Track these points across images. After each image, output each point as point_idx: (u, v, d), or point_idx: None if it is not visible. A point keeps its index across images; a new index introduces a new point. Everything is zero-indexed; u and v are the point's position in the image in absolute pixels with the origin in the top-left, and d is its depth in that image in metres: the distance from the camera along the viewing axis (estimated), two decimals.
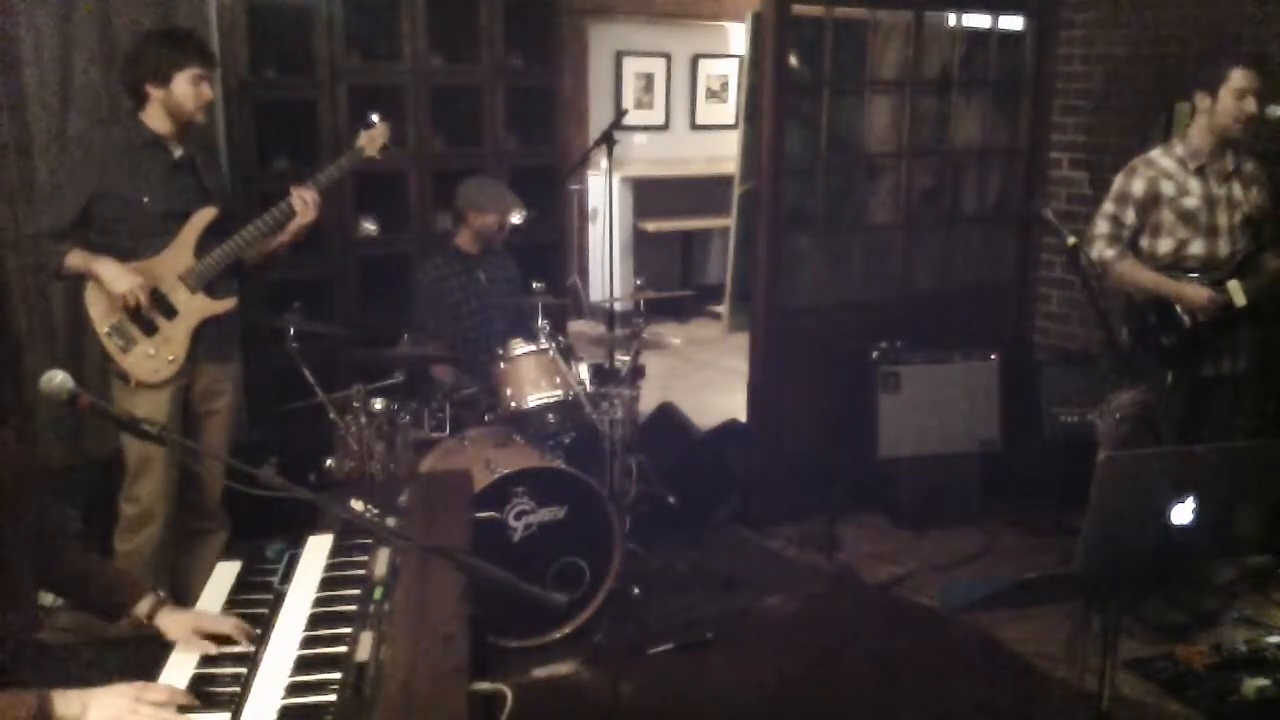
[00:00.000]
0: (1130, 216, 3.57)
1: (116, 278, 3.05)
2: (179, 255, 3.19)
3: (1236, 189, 3.54)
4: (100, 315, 3.12)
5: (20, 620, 1.96)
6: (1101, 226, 3.61)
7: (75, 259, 3.07)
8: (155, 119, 3.17)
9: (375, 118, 3.50)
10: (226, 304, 3.28)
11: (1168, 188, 3.52)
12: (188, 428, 3.31)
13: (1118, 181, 3.62)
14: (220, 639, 2.03)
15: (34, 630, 2.03)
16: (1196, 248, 3.51)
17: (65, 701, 1.74)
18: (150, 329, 3.17)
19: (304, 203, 3.28)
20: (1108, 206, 3.62)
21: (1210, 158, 3.52)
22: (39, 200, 3.52)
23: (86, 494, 3.71)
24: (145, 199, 3.13)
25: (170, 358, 3.19)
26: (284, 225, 3.30)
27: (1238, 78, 3.39)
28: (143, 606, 2.11)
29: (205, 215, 3.23)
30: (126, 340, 3.13)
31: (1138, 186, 3.55)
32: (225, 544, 3.39)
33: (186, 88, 3.13)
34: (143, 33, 3.38)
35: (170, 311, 3.19)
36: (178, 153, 3.21)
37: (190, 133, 3.26)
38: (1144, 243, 3.59)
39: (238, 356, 3.46)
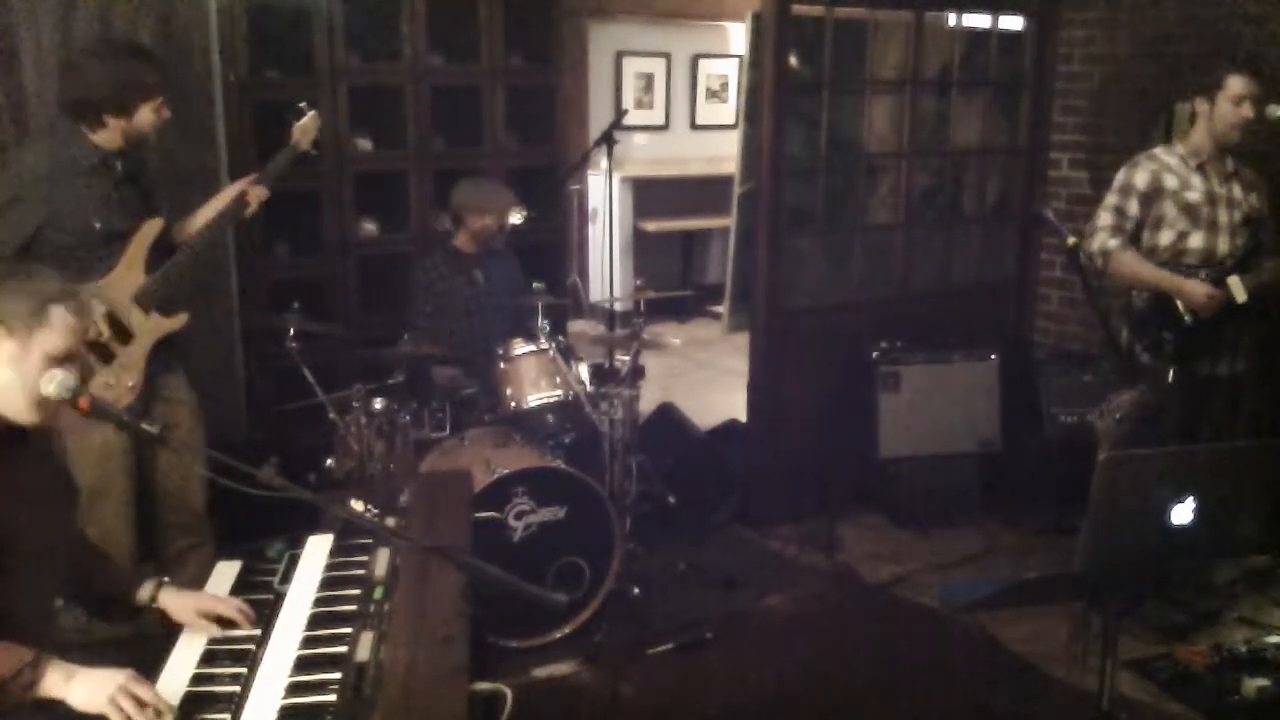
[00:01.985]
0: (1133, 208, 3.57)
1: None
2: (130, 274, 3.05)
3: (1237, 189, 3.55)
4: None
5: (43, 615, 1.98)
6: (1104, 218, 3.61)
7: None
8: (108, 139, 3.02)
9: (303, 105, 3.41)
10: (179, 320, 3.15)
11: (1170, 181, 3.54)
12: (154, 448, 3.19)
13: (1121, 174, 3.63)
14: (225, 622, 2.06)
15: (53, 622, 2.05)
16: (1196, 241, 3.52)
17: (55, 669, 1.77)
18: (107, 356, 3.01)
19: (259, 200, 3.21)
20: (1111, 198, 3.62)
21: (1210, 157, 3.53)
22: None
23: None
24: (96, 224, 2.99)
25: (130, 384, 3.04)
26: (233, 220, 3.23)
27: (1235, 84, 3.41)
28: (145, 590, 2.13)
29: (152, 229, 3.09)
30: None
31: (1141, 178, 3.56)
32: (211, 557, 3.34)
33: (149, 115, 3.03)
34: (94, 55, 3.11)
35: (126, 335, 3.04)
36: (120, 166, 3.06)
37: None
38: (1144, 235, 3.59)
39: (186, 364, 3.34)
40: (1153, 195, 3.55)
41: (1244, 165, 3.61)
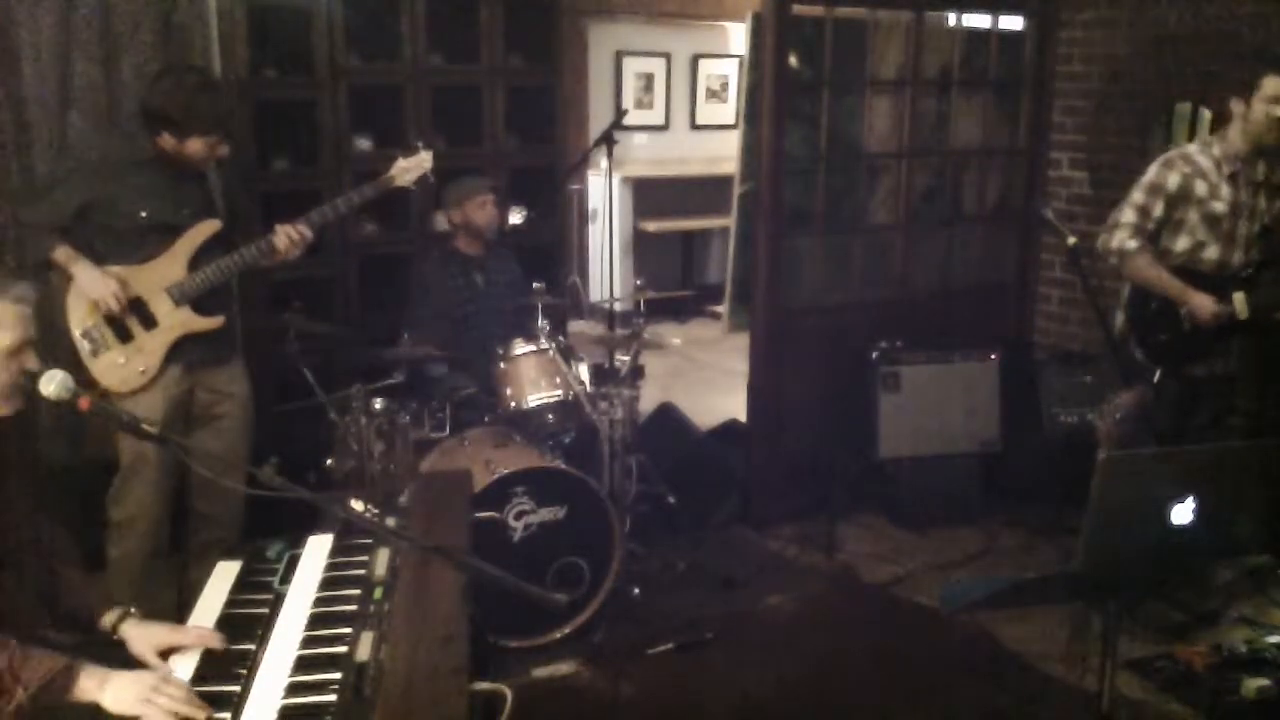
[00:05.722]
0: (1159, 209, 3.50)
1: (91, 283, 3.02)
2: (170, 266, 3.15)
3: (1262, 199, 3.50)
4: (78, 316, 3.08)
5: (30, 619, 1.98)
6: (1128, 215, 3.53)
7: (61, 254, 3.04)
8: (164, 144, 3.13)
9: (420, 145, 3.45)
10: (212, 321, 3.22)
11: (1201, 188, 3.46)
12: (194, 435, 3.28)
13: (1153, 172, 3.53)
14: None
15: (40, 628, 2.04)
16: (1211, 252, 3.49)
17: (88, 674, 1.79)
18: (125, 337, 3.11)
19: (289, 241, 3.25)
20: (1137, 196, 3.53)
21: (1244, 164, 3.46)
22: (37, 191, 3.49)
23: (86, 495, 3.70)
24: (142, 212, 3.10)
25: (141, 369, 3.12)
26: (269, 257, 3.26)
27: (1271, 85, 3.32)
28: (109, 618, 2.09)
29: (206, 229, 3.20)
30: (96, 345, 3.08)
31: (1173, 180, 3.48)
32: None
33: (200, 147, 3.12)
34: (175, 71, 3.24)
35: (150, 322, 3.14)
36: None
37: None
38: (1162, 235, 3.54)
39: (239, 358, 3.42)
40: (1180, 199, 3.48)
41: (1277, 169, 3.51)
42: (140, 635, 2.04)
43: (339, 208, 3.37)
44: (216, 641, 2.00)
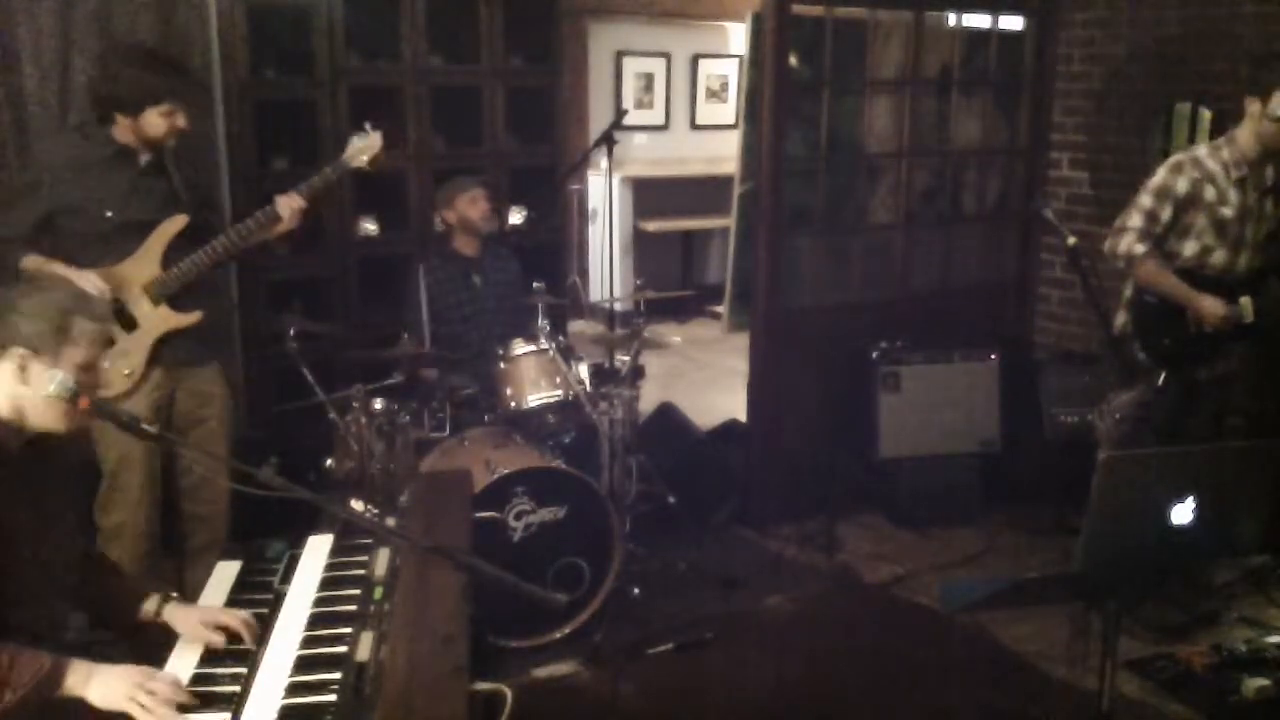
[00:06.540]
0: (1167, 214, 3.45)
1: None
2: (144, 265, 3.09)
3: (1268, 204, 3.48)
4: None
5: (51, 623, 1.98)
6: (1135, 220, 3.48)
7: (30, 263, 2.97)
8: (122, 134, 3.06)
9: (368, 126, 3.41)
10: (190, 318, 3.15)
11: (1209, 192, 3.42)
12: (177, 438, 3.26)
13: (1161, 176, 3.47)
14: (229, 633, 2.04)
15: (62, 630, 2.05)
16: (1219, 257, 3.47)
17: (74, 670, 1.80)
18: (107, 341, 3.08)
19: (291, 210, 3.20)
20: (1145, 200, 3.48)
21: (1252, 167, 3.42)
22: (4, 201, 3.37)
23: (85, 495, 3.70)
24: (108, 213, 3.03)
25: (126, 371, 3.06)
26: (266, 228, 3.21)
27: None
28: (150, 604, 2.12)
29: (174, 224, 3.12)
30: None
31: (1182, 185, 3.43)
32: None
33: (158, 120, 3.03)
34: (114, 52, 3.19)
35: (130, 324, 3.07)
36: (145, 158, 3.09)
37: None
38: (1169, 240, 3.50)
39: (220, 358, 3.37)
40: (1189, 204, 3.43)
41: None
42: (185, 615, 2.08)
43: (315, 184, 3.29)
44: (255, 631, 2.04)
